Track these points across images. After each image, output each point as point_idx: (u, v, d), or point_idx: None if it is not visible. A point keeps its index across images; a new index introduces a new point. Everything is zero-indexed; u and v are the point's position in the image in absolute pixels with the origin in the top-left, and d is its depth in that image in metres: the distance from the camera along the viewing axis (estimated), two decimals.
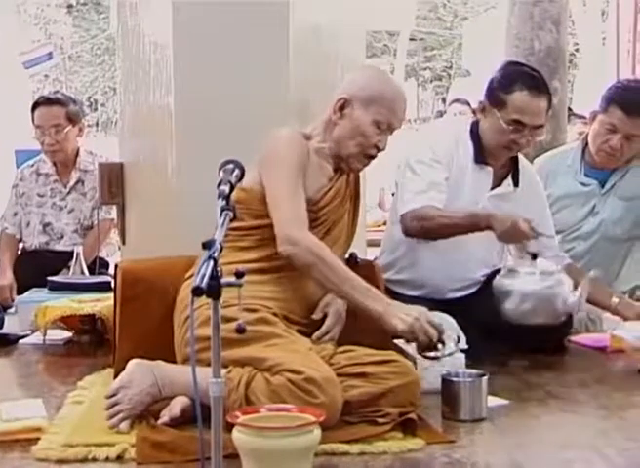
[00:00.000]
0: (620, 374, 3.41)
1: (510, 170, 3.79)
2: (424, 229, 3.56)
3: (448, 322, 3.27)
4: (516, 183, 3.79)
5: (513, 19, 6.42)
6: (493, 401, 2.98)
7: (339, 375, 2.67)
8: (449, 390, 2.87)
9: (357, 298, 2.81)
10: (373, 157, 3.14)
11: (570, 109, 7.83)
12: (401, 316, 2.75)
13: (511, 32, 6.40)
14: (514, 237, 3.44)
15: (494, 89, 3.67)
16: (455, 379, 2.89)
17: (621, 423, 2.81)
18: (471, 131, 3.74)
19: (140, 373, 2.72)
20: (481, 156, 3.72)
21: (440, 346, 2.78)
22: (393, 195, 7.57)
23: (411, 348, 3.19)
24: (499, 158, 3.73)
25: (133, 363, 2.76)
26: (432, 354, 2.81)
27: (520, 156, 3.83)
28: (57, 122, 4.87)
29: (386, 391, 2.70)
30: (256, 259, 2.95)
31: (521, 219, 3.39)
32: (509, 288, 3.42)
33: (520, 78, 3.64)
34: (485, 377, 2.88)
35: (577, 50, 19.45)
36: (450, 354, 2.84)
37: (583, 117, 7.21)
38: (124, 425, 2.63)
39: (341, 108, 3.08)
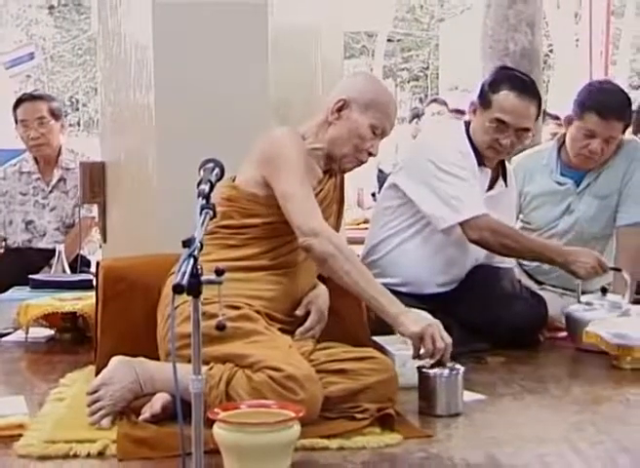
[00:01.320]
0: (594, 370, 3.43)
1: (500, 170, 3.84)
2: (496, 243, 3.62)
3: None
4: (506, 181, 3.86)
5: (489, 20, 6.44)
6: (469, 396, 2.99)
7: (318, 372, 2.67)
8: (425, 383, 2.87)
9: (373, 295, 2.84)
10: (364, 162, 3.15)
11: (544, 109, 7.86)
12: (416, 319, 2.81)
13: (487, 34, 6.42)
14: (597, 273, 3.59)
15: (483, 90, 3.71)
16: (431, 372, 2.86)
17: (594, 417, 2.82)
18: (467, 133, 3.76)
19: (121, 370, 2.71)
20: (479, 158, 3.74)
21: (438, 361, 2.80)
22: (374, 195, 7.59)
23: (390, 346, 3.21)
24: (490, 160, 3.76)
25: (115, 360, 2.75)
26: (425, 362, 2.82)
27: None
28: (41, 115, 4.88)
29: (365, 387, 2.70)
30: (243, 257, 2.95)
31: (598, 256, 3.56)
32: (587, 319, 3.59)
33: (508, 80, 3.69)
34: (461, 371, 2.88)
35: (551, 51, 19.54)
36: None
37: (557, 118, 7.24)
38: (105, 421, 2.62)
39: (339, 109, 3.08)
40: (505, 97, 3.64)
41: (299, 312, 3.02)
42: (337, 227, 3.23)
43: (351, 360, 2.76)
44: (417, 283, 3.75)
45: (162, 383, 2.67)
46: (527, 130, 3.67)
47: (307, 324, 3.01)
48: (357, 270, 2.85)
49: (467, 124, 3.80)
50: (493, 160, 3.78)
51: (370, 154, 3.12)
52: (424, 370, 2.87)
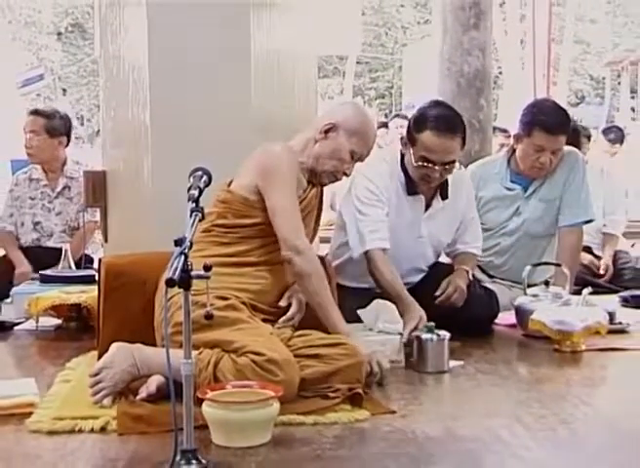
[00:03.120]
0: (538, 353, 3.43)
1: (437, 188, 3.71)
2: (376, 274, 3.55)
3: (389, 308, 3.29)
4: (445, 196, 3.73)
5: (446, 45, 6.43)
6: (451, 362, 3.16)
7: (295, 356, 2.67)
8: (418, 346, 3.13)
9: (333, 316, 2.90)
10: (339, 179, 3.17)
11: (493, 126, 7.87)
12: (361, 343, 2.88)
13: (444, 57, 6.41)
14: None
15: (409, 127, 3.59)
16: (423, 337, 3.13)
17: (539, 395, 2.83)
18: (401, 163, 3.67)
19: (120, 355, 2.69)
20: (412, 187, 3.66)
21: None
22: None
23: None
24: (423, 189, 3.67)
25: (114, 346, 2.73)
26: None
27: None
28: (34, 129, 4.87)
29: (336, 370, 2.70)
30: (233, 253, 2.96)
31: (422, 315, 3.36)
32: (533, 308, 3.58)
33: (430, 120, 3.50)
34: (447, 338, 3.14)
35: (500, 73, 19.61)
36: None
37: (505, 131, 7.26)
38: (106, 401, 2.60)
39: (327, 131, 3.08)
40: (428, 138, 3.48)
41: (282, 303, 3.02)
42: (315, 230, 3.24)
43: (324, 346, 2.76)
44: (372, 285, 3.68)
45: (157, 366, 2.65)
46: (453, 162, 3.54)
47: (289, 314, 2.99)
48: (325, 293, 2.92)
49: (402, 156, 3.68)
50: (427, 188, 3.68)
51: (345, 174, 3.14)
52: (416, 333, 3.17)
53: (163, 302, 2.16)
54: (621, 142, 8.28)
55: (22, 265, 4.73)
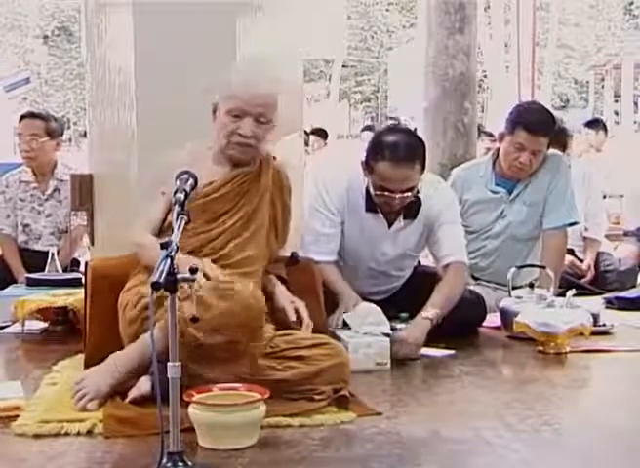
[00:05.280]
0: (522, 355, 3.44)
1: (401, 211, 3.57)
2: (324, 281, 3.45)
3: (375, 311, 3.29)
4: (412, 216, 3.59)
5: (430, 49, 6.45)
6: (441, 352, 3.34)
7: (278, 358, 2.67)
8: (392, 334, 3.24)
9: None
10: (242, 144, 2.99)
11: (480, 126, 7.91)
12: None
13: (429, 61, 6.43)
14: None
15: (367, 155, 3.48)
16: (398, 326, 3.29)
17: (522, 396, 2.83)
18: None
19: (100, 366, 2.71)
20: (371, 205, 3.56)
21: None
22: None
23: (344, 334, 3.21)
24: (385, 209, 3.57)
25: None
26: None
27: (424, 188, 3.55)
28: (35, 132, 4.82)
29: (320, 370, 2.69)
30: None
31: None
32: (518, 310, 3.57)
33: (386, 148, 3.40)
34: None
35: (485, 76, 19.68)
36: None
37: (491, 135, 7.29)
38: (91, 405, 2.59)
39: (213, 113, 3.04)
40: (385, 168, 3.38)
41: (293, 318, 2.97)
42: (275, 224, 3.14)
43: (307, 347, 2.75)
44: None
45: (133, 360, 2.67)
46: (411, 189, 3.44)
47: (307, 319, 2.97)
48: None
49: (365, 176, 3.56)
50: (388, 210, 3.56)
51: (241, 135, 2.97)
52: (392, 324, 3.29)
53: (147, 300, 2.14)
54: (605, 131, 8.38)
55: (20, 274, 4.65)
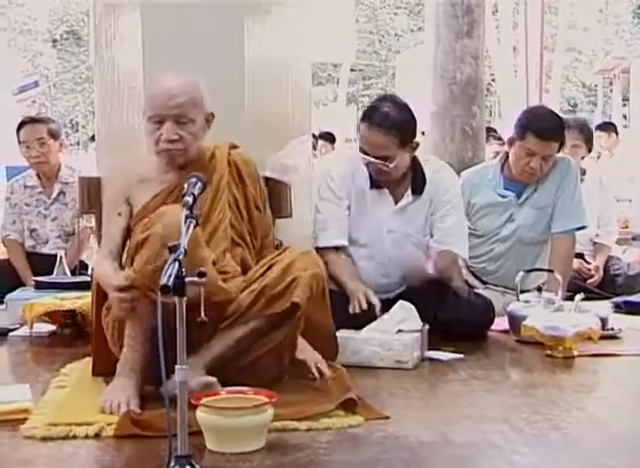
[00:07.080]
0: (530, 359, 3.43)
1: (411, 182, 3.75)
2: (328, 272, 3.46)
3: (409, 310, 3.31)
4: (419, 192, 3.74)
5: (438, 53, 6.43)
6: (449, 356, 3.35)
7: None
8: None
9: None
10: (170, 149, 2.95)
11: (490, 129, 7.88)
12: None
13: (437, 64, 6.41)
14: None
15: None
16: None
17: (530, 399, 2.83)
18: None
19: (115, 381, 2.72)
20: (374, 181, 3.72)
21: None
22: None
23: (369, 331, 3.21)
24: (383, 182, 3.71)
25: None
26: None
27: (429, 167, 3.77)
28: (40, 136, 4.84)
29: (288, 266, 2.76)
30: None
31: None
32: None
33: (367, 112, 3.65)
34: (426, 328, 3.32)
35: (493, 80, 19.66)
36: None
37: (500, 138, 7.28)
38: (133, 405, 2.58)
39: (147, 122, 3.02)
40: (362, 129, 3.62)
41: (315, 375, 2.92)
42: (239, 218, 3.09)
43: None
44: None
45: (137, 363, 2.69)
46: (386, 158, 3.57)
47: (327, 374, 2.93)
48: None
49: None
50: (383, 180, 3.71)
51: (166, 141, 2.94)
52: None
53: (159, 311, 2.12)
54: (617, 134, 8.38)
55: (27, 277, 4.66)
